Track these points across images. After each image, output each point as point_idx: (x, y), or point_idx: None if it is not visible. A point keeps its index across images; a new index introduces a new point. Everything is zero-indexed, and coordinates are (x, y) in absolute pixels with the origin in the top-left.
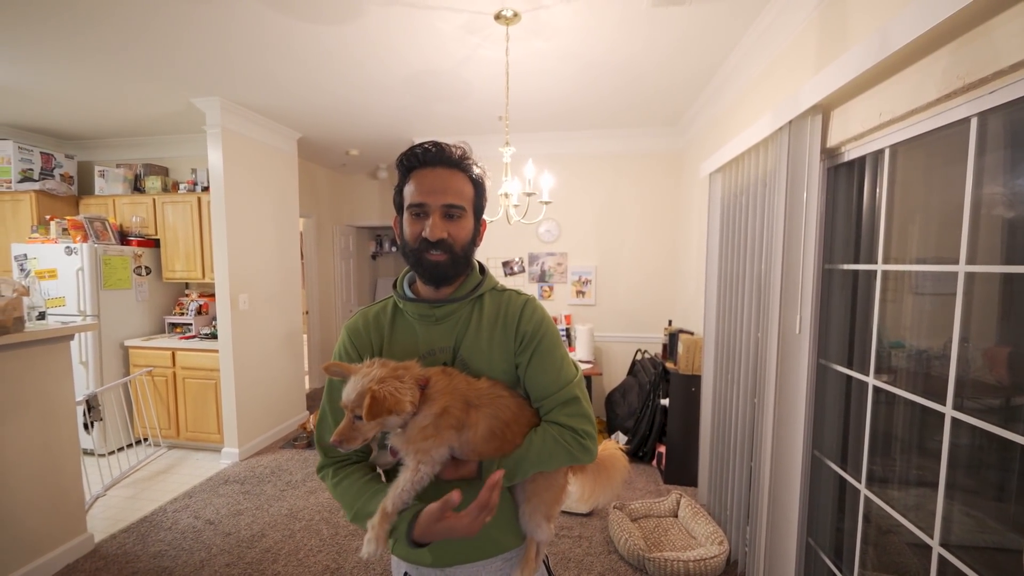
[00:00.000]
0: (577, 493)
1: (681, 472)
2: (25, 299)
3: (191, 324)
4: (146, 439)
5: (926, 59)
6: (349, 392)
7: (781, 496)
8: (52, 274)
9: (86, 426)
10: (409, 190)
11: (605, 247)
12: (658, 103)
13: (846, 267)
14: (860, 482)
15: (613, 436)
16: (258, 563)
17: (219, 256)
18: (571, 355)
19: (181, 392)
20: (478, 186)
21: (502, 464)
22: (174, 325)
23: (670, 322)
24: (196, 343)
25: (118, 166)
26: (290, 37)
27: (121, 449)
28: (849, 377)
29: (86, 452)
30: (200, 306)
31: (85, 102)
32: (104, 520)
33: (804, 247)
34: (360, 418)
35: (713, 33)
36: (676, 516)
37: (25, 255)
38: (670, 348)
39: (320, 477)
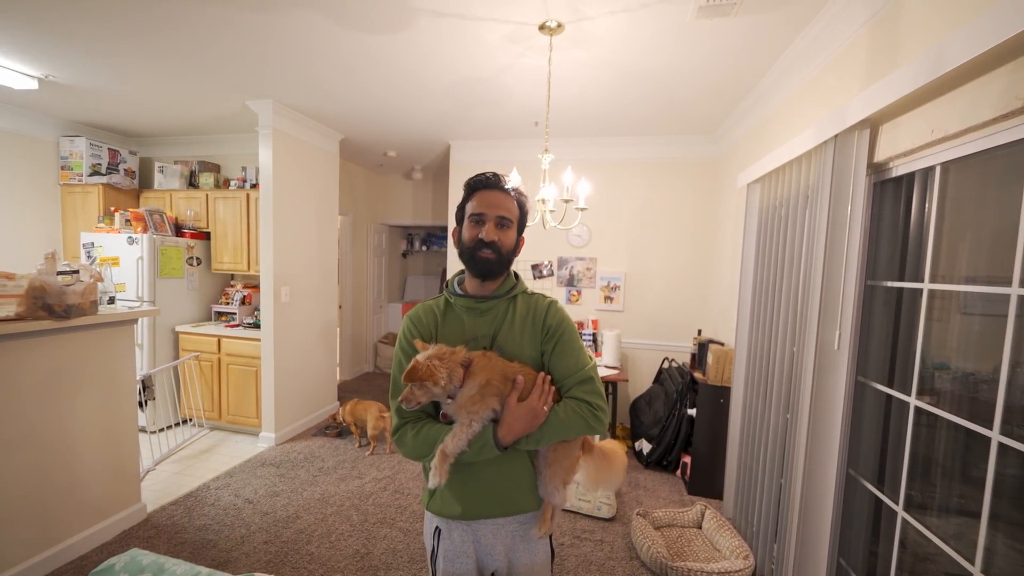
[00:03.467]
0: (583, 475)
1: (706, 484)
2: (99, 284)
3: (235, 313)
4: (190, 419)
5: (983, 78)
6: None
7: (812, 513)
8: (115, 262)
9: (140, 404)
10: (471, 205)
11: (635, 253)
12: (695, 112)
13: (890, 284)
14: (898, 504)
15: (637, 443)
16: (293, 543)
17: (264, 250)
18: (596, 359)
19: (224, 377)
20: (522, 209)
21: (530, 432)
22: (220, 313)
23: (700, 332)
24: (240, 331)
25: (175, 163)
26: (343, 45)
27: (169, 427)
28: (889, 396)
29: (139, 429)
30: (244, 296)
31: (151, 102)
32: (154, 492)
33: (846, 262)
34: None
35: (755, 45)
36: (700, 527)
37: (92, 243)
38: (699, 358)
39: (396, 438)
